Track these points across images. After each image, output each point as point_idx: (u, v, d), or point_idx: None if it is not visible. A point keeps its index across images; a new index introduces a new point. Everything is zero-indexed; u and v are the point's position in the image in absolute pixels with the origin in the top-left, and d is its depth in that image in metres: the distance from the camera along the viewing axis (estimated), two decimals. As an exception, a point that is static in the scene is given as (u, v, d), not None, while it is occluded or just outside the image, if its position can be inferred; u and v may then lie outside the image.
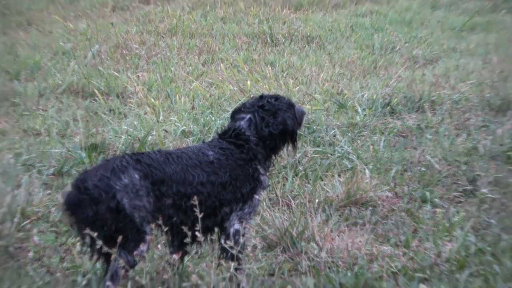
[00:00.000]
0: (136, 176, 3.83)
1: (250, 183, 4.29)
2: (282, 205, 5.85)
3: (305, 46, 13.62)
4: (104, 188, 3.66)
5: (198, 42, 13.67)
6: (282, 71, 11.38)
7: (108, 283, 3.60)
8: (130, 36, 13.76)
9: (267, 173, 4.66)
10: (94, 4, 18.04)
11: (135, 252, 3.69)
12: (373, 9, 17.86)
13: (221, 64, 11.10)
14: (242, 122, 4.52)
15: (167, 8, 16.93)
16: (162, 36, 14.22)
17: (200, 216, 3.67)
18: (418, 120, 8.78)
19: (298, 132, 4.90)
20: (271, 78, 10.34)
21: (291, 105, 4.72)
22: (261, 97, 4.72)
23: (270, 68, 11.11)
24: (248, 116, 4.53)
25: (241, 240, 4.19)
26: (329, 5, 18.14)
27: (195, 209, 3.66)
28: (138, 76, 10.92)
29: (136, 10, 17.64)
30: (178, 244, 4.09)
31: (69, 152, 7.24)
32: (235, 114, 4.72)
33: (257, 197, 4.39)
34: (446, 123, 8.34)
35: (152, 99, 9.23)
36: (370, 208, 5.93)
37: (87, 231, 3.39)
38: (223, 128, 4.79)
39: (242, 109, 4.69)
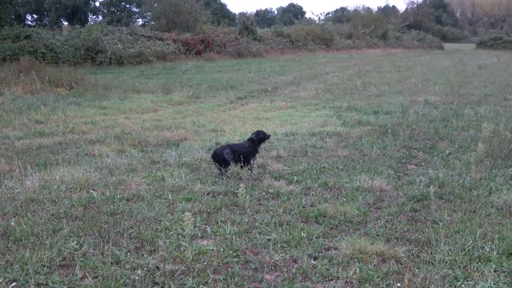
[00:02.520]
0: (228, 150, 8.83)
1: (255, 153, 9.04)
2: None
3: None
4: (220, 153, 8.76)
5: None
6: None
7: (223, 176, 8.62)
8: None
9: (258, 150, 9.26)
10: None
11: (227, 168, 8.78)
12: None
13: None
14: (253, 135, 9.27)
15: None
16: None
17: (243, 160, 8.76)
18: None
19: (266, 140, 9.59)
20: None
21: (263, 132, 9.43)
22: (258, 131, 9.50)
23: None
24: (254, 133, 9.34)
25: (252, 163, 8.98)
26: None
27: (242, 158, 8.71)
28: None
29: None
30: (241, 166, 8.79)
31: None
32: (251, 134, 9.49)
33: (256, 156, 9.16)
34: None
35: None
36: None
37: (218, 165, 8.73)
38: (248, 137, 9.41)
39: (252, 133, 9.57)
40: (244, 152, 8.85)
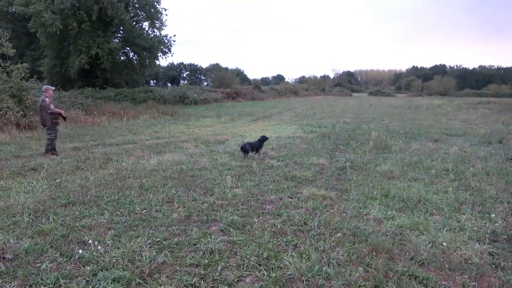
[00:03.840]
0: (248, 144, 8.21)
1: (261, 146, 8.32)
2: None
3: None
4: (244, 146, 8.14)
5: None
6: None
7: (245, 158, 7.98)
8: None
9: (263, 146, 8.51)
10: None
11: (247, 154, 8.02)
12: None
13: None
14: (260, 138, 8.48)
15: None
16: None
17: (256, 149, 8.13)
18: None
19: (266, 140, 8.77)
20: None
21: (265, 136, 8.67)
22: (262, 135, 8.67)
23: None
24: (261, 137, 8.54)
25: (260, 152, 8.18)
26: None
27: (255, 149, 8.11)
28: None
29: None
30: (254, 153, 8.00)
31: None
32: (260, 137, 8.63)
33: (262, 148, 8.39)
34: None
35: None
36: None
37: (243, 153, 8.12)
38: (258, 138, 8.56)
39: (260, 136, 8.61)
40: (256, 146, 8.31)
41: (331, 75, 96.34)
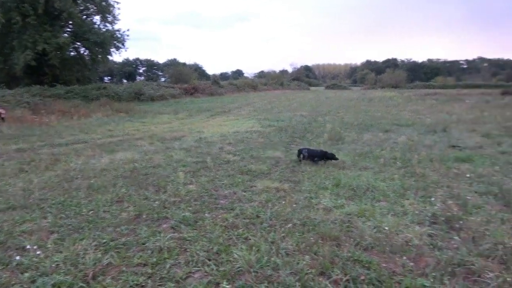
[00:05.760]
0: (306, 149, 7.30)
1: (321, 156, 7.07)
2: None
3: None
4: (302, 150, 7.19)
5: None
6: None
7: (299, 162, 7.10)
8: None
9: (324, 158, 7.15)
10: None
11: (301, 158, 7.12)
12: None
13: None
14: (325, 151, 7.23)
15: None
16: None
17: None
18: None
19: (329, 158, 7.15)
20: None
21: (331, 153, 7.20)
22: (326, 152, 7.25)
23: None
24: (326, 151, 7.25)
25: (317, 160, 7.03)
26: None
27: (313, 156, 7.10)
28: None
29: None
30: (311, 160, 7.06)
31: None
32: (328, 151, 7.29)
33: (319, 158, 7.08)
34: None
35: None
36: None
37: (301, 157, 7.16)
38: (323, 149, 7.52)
39: (326, 150, 7.35)
40: (316, 155, 7.12)
41: (289, 70, 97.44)
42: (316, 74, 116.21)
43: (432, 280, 2.95)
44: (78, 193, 5.27)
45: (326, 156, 7.11)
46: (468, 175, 6.04)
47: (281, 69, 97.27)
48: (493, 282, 2.91)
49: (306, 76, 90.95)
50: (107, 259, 3.33)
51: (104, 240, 3.70)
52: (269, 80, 60.81)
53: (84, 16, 29.58)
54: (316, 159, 7.09)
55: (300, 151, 7.38)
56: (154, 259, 3.31)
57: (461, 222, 4.10)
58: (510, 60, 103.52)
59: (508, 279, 2.93)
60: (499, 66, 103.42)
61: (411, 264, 3.20)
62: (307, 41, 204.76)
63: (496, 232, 3.79)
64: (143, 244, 3.64)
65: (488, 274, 3.01)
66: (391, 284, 2.92)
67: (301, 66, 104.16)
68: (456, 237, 3.74)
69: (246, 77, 73.92)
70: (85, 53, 31.13)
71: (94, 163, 7.26)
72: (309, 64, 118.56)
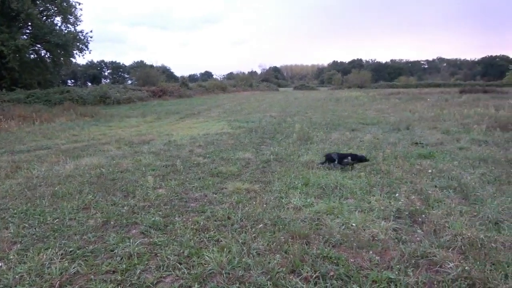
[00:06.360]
0: (336, 154, 6.85)
1: (352, 159, 6.68)
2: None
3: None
4: (331, 155, 6.81)
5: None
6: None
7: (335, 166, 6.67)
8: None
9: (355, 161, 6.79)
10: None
11: (335, 163, 6.68)
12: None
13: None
14: (353, 154, 6.81)
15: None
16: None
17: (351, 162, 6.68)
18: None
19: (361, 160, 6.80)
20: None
21: (363, 155, 6.86)
22: (356, 154, 6.88)
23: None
24: (356, 154, 6.89)
25: (346, 161, 6.63)
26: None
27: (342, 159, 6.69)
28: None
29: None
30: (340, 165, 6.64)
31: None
32: (358, 154, 7.01)
33: (348, 160, 6.65)
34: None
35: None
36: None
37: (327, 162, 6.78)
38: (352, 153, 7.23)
39: (356, 153, 7.01)
40: (345, 157, 6.69)
41: (258, 71, 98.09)
42: (284, 75, 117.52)
43: (397, 272, 3.08)
44: (42, 201, 5.07)
45: (357, 159, 6.73)
46: (430, 171, 6.32)
47: (250, 70, 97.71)
48: (453, 272, 3.06)
49: (275, 77, 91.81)
50: (74, 267, 3.23)
51: (71, 249, 3.59)
52: (238, 82, 60.90)
53: (44, 17, 28.44)
54: (345, 160, 6.66)
55: (329, 156, 6.92)
56: (124, 266, 3.25)
57: (423, 216, 4.29)
58: (467, 60, 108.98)
59: (466, 268, 3.10)
60: (456, 66, 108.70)
61: (377, 258, 3.32)
62: (276, 42, 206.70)
63: (456, 224, 4.00)
64: (112, 251, 3.56)
65: (449, 264, 3.18)
66: (358, 278, 3.01)
67: (270, 67, 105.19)
68: (419, 230, 3.91)
69: (215, 79, 73.61)
70: (46, 56, 29.95)
71: (59, 170, 7.00)
72: (278, 65, 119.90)
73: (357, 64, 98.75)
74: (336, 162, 6.74)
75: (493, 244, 3.51)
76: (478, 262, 3.19)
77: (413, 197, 4.95)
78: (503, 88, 37.73)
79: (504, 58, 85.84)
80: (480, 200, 4.83)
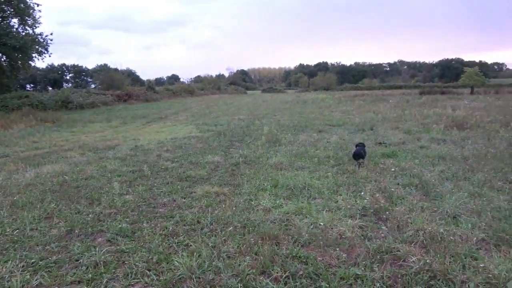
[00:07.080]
0: (363, 150, 6.89)
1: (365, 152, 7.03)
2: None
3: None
4: (361, 151, 6.80)
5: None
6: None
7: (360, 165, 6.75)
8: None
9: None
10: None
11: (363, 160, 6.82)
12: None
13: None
14: (361, 144, 7.29)
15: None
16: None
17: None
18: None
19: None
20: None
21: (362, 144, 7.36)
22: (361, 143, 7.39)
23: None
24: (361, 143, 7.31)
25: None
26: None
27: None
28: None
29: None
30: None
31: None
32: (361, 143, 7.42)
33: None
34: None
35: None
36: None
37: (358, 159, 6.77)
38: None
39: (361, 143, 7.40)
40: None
41: (226, 74, 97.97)
42: (252, 78, 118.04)
43: (363, 268, 3.17)
44: (0, 212, 4.82)
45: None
46: (393, 169, 6.56)
47: (217, 73, 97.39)
48: (415, 265, 3.20)
49: (243, 80, 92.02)
50: (36, 279, 3.10)
51: (33, 260, 3.44)
52: (206, 85, 60.56)
53: (0, 19, 27.04)
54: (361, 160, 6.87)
55: (358, 153, 6.89)
56: (90, 275, 3.15)
57: (387, 212, 4.45)
58: (426, 63, 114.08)
59: (427, 261, 3.24)
60: (416, 68, 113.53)
61: (345, 255, 3.41)
62: (243, 45, 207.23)
63: (417, 219, 4.18)
64: (77, 260, 3.44)
65: (412, 258, 3.31)
66: (327, 276, 3.08)
67: (238, 70, 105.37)
68: (384, 227, 4.06)
69: (183, 82, 72.83)
70: (2, 59, 28.45)
71: (18, 178, 6.67)
72: (245, 68, 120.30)
73: (322, 67, 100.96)
74: (363, 159, 6.86)
75: (452, 237, 3.69)
76: (438, 255, 3.35)
77: (378, 195, 5.12)
78: (459, 89, 39.74)
79: (459, 61, 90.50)
80: (439, 196, 5.07)
